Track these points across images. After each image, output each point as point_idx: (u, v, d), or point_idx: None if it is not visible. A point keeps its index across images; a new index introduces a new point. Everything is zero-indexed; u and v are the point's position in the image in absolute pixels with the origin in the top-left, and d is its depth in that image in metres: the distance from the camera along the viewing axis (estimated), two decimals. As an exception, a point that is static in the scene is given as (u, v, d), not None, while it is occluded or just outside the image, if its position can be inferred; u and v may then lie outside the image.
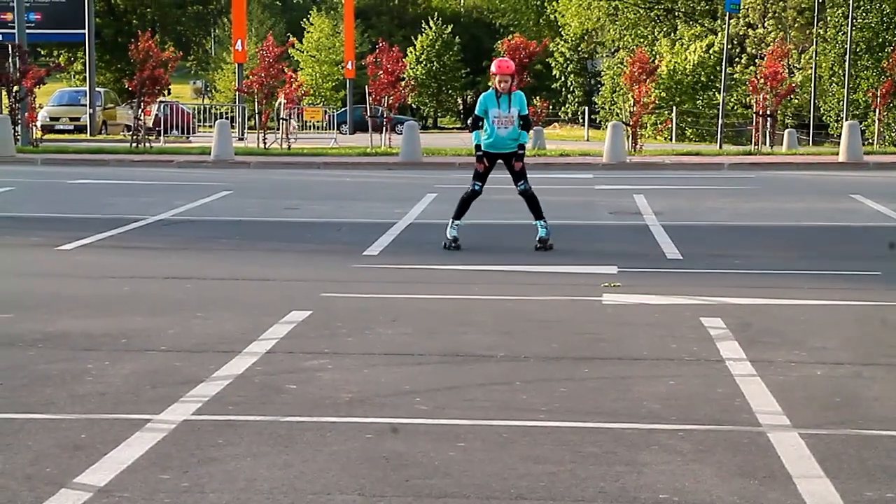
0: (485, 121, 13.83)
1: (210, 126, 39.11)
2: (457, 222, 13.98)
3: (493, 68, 13.85)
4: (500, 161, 14.04)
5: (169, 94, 37.84)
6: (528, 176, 14.04)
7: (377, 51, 36.61)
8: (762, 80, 36.62)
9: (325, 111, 55.59)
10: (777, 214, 18.64)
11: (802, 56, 61.25)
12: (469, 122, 14.18)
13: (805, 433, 6.46)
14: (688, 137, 59.03)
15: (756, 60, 58.91)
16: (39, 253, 14.05)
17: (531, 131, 14.65)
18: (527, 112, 13.94)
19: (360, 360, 8.27)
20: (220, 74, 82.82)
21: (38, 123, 38.77)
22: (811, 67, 55.90)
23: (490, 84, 14.03)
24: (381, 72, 35.73)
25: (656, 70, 37.86)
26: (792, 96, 43.27)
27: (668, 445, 6.26)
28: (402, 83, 37.27)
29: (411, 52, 77.10)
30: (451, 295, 11.09)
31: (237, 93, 44.63)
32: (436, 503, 5.39)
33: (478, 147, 13.94)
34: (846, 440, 6.38)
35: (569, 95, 77.42)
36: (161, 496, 5.46)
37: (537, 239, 13.88)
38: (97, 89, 51.53)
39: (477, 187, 13.94)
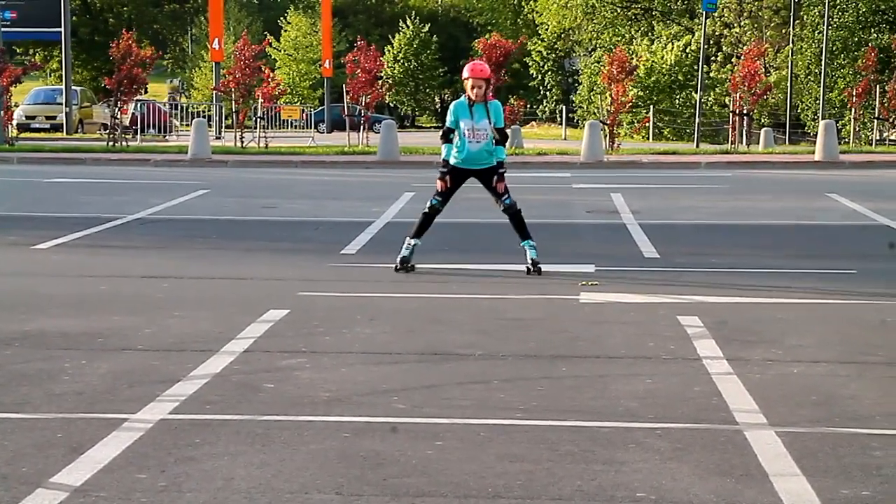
0: (456, 133, 12.07)
1: (187, 125, 39.02)
2: (414, 241, 12.16)
3: (465, 72, 12.09)
4: (472, 178, 12.28)
5: (146, 92, 37.73)
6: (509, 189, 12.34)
7: (355, 50, 36.57)
8: (740, 79, 36.72)
9: (303, 110, 55.51)
10: (754, 213, 18.69)
11: (778, 55, 61.45)
12: (441, 134, 12.31)
13: (782, 431, 6.49)
14: (665, 136, 59.16)
15: (732, 60, 59.10)
16: (16, 252, 13.99)
17: (506, 145, 12.60)
18: (503, 125, 12.18)
19: (337, 359, 8.27)
20: (197, 73, 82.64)
21: (14, 122, 38.61)
22: (787, 66, 56.09)
23: (462, 91, 12.25)
24: (359, 71, 35.70)
25: (635, 69, 37.92)
26: (768, 95, 43.46)
27: (645, 444, 6.27)
28: (380, 82, 37.23)
29: (389, 51, 77.05)
30: (428, 294, 11.09)
31: (214, 92, 44.54)
32: (413, 502, 5.40)
33: (444, 163, 12.19)
34: (822, 438, 6.40)
35: (546, 94, 77.51)
36: (138, 496, 5.45)
37: (529, 261, 12.11)
38: (73, 88, 51.34)
39: (436, 202, 12.15)
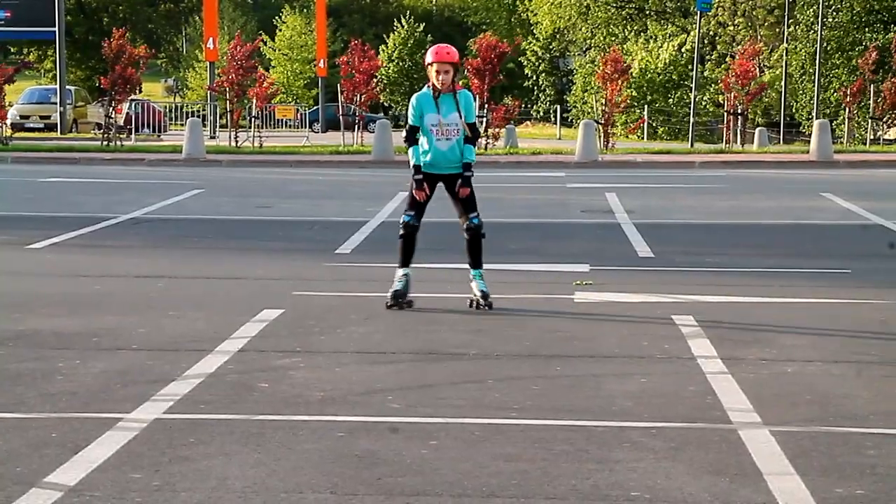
0: (421, 131, 10.15)
1: (181, 124, 39.00)
2: (404, 272, 10.25)
3: (428, 56, 10.02)
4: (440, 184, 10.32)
5: (140, 92, 37.72)
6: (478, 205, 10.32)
7: (350, 51, 36.48)
8: (734, 79, 36.74)
9: (298, 109, 55.48)
10: (748, 213, 18.71)
11: (773, 54, 61.52)
12: (404, 135, 10.37)
13: (776, 430, 6.49)
14: (659, 136, 59.20)
15: (727, 59, 59.15)
16: (10, 252, 13.98)
17: (477, 143, 10.72)
18: (474, 119, 10.21)
19: (331, 358, 8.27)
20: (191, 73, 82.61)
21: (8, 122, 38.58)
22: (781, 66, 56.15)
23: (427, 82, 10.22)
24: (353, 71, 35.63)
25: (629, 69, 37.89)
26: (762, 94, 43.53)
27: (639, 443, 6.28)
28: (374, 80, 37.19)
29: (383, 51, 77.08)
30: (422, 293, 11.07)
31: (209, 91, 44.53)
32: (408, 501, 5.40)
33: (416, 168, 10.14)
34: (816, 437, 6.41)
35: (540, 94, 77.57)
36: (132, 495, 5.44)
37: (480, 294, 10.21)
38: (68, 87, 51.32)
39: (408, 218, 10.20)
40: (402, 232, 10.26)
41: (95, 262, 13.18)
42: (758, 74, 41.45)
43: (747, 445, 6.23)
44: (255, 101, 35.88)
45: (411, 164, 10.21)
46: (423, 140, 10.13)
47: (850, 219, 17.85)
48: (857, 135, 44.33)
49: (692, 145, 39.78)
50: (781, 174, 27.46)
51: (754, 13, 64.75)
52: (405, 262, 10.26)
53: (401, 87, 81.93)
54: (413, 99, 10.17)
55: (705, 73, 59.62)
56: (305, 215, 18.10)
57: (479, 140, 10.50)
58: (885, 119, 40.41)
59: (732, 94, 36.89)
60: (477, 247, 10.29)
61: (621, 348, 8.66)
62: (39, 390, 7.32)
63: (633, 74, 53.87)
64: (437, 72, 9.92)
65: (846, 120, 41.83)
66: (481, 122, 31.45)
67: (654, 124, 59.75)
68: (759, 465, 5.92)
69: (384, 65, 71.68)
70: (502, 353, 8.46)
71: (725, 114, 38.40)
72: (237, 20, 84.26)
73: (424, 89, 10.14)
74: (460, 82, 10.41)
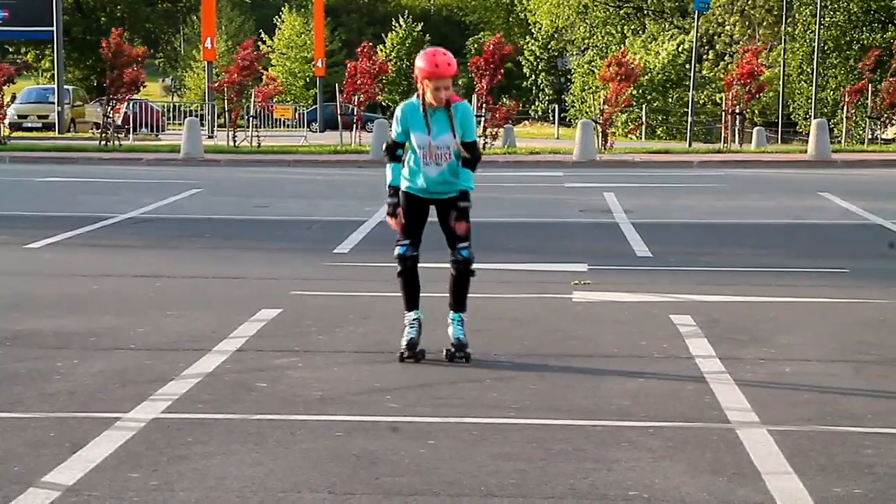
0: (407, 149, 8.30)
1: (179, 124, 38.98)
2: (413, 316, 8.46)
3: (421, 64, 7.93)
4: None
5: (138, 91, 37.70)
6: (472, 236, 8.42)
7: (359, 54, 36.14)
8: (737, 78, 36.67)
9: (296, 109, 55.48)
10: (746, 212, 18.71)
11: (770, 54, 61.55)
12: (383, 149, 8.39)
13: (774, 430, 6.49)
14: (658, 135, 59.22)
15: (725, 58, 59.16)
16: (7, 251, 13.97)
17: (475, 168, 8.28)
18: (474, 138, 8.21)
19: (330, 358, 8.27)
20: (189, 73, 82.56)
21: (6, 121, 38.57)
22: (779, 65, 56.16)
23: (415, 91, 8.18)
24: (358, 74, 35.46)
25: (636, 73, 37.65)
26: (761, 94, 43.54)
27: (637, 442, 6.28)
28: (376, 80, 37.16)
29: (381, 50, 77.12)
30: (421, 293, 11.06)
31: (207, 90, 44.51)
32: (406, 501, 5.40)
33: (393, 190, 8.25)
34: (814, 436, 6.41)
35: (539, 94, 77.59)
36: (130, 495, 5.44)
37: (452, 342, 8.34)
38: (66, 87, 51.29)
39: (403, 250, 8.40)
40: (399, 268, 8.49)
41: (93, 262, 13.18)
42: (764, 69, 41.37)
43: (745, 445, 6.24)
44: (254, 99, 35.85)
45: (387, 182, 8.33)
46: (409, 157, 8.31)
47: (848, 218, 17.86)
48: (854, 134, 44.33)
49: (690, 145, 39.79)
50: (779, 174, 27.48)
51: (753, 13, 64.78)
52: (412, 304, 8.50)
53: (399, 87, 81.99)
54: (398, 110, 8.23)
55: (703, 73, 59.63)
56: (303, 215, 18.09)
57: (478, 144, 8.52)
58: (882, 118, 40.40)
59: (732, 92, 36.84)
60: (462, 285, 8.46)
61: (619, 348, 8.67)
62: (37, 390, 7.32)
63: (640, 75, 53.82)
64: (434, 88, 7.93)
65: (844, 119, 41.84)
66: (479, 124, 31.34)
67: (652, 124, 59.76)
68: (757, 464, 5.92)
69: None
70: (500, 353, 8.47)
71: (724, 113, 38.37)
72: (235, 20, 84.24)
73: (413, 99, 8.19)
74: (461, 82, 8.40)
